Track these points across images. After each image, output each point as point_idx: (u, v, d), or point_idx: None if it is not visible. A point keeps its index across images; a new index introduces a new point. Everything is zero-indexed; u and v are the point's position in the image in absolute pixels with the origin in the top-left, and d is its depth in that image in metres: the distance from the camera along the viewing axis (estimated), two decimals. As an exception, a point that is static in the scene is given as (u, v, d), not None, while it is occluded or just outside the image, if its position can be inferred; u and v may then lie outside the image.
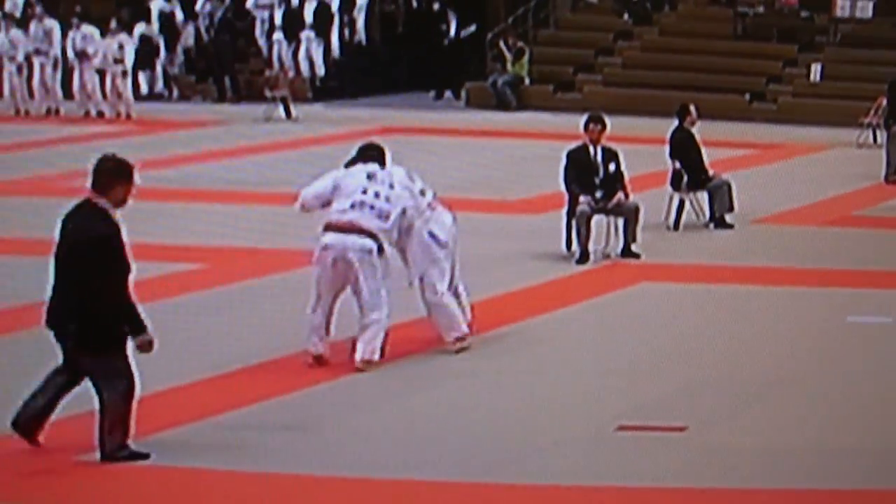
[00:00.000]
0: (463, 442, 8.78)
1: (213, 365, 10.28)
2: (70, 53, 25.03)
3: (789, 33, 25.85)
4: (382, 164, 10.41)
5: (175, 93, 27.05)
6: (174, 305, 12.09)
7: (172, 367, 10.25)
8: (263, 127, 23.68)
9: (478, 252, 14.06)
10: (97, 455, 8.33)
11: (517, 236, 14.96)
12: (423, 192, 10.61)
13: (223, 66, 26.73)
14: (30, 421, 8.49)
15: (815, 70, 24.84)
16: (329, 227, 10.14)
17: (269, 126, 23.75)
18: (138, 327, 8.31)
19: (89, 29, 24.89)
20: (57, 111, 24.85)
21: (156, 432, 8.87)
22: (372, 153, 10.44)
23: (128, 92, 24.31)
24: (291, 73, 26.32)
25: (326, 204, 10.29)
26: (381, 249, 10.14)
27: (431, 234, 10.53)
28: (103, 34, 24.64)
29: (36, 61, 24.78)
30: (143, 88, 26.88)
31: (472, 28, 27.51)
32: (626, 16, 27.22)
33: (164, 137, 22.58)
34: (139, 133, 23.09)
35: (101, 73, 24.24)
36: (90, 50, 24.60)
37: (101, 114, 24.48)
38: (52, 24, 24.99)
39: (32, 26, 25.00)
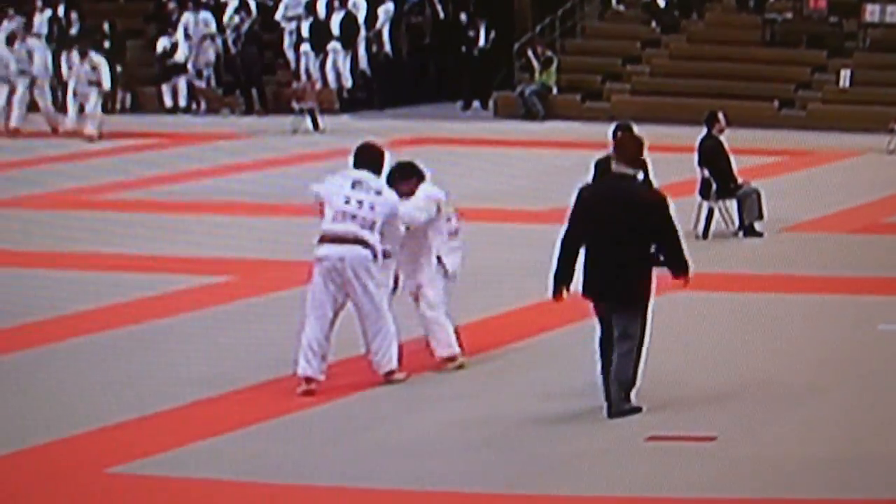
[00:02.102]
0: (489, 452, 8.74)
1: (240, 377, 10.28)
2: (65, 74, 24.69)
3: (818, 39, 25.73)
4: (377, 171, 10.10)
5: (203, 106, 27.12)
6: (202, 317, 12.11)
7: (200, 379, 10.28)
8: (291, 139, 23.71)
9: (506, 262, 14.03)
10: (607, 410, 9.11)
11: (546, 246, 14.83)
12: (449, 220, 10.51)
13: (251, 78, 26.79)
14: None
15: (845, 76, 24.71)
16: (322, 239, 9.98)
17: (297, 138, 23.78)
18: (685, 265, 9.25)
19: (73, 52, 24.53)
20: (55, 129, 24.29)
21: (183, 445, 8.88)
22: (364, 159, 10.13)
23: (97, 111, 23.56)
24: (319, 85, 26.35)
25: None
26: (375, 256, 9.95)
27: (440, 260, 10.43)
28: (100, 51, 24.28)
29: (19, 82, 24.15)
30: (168, 102, 26.94)
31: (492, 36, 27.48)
32: (653, 24, 27.14)
33: (192, 150, 22.63)
34: (168, 146, 23.16)
35: (74, 94, 23.74)
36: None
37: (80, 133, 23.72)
38: (34, 44, 24.81)
39: (16, 45, 24.66)
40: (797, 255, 14.53)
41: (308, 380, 9.92)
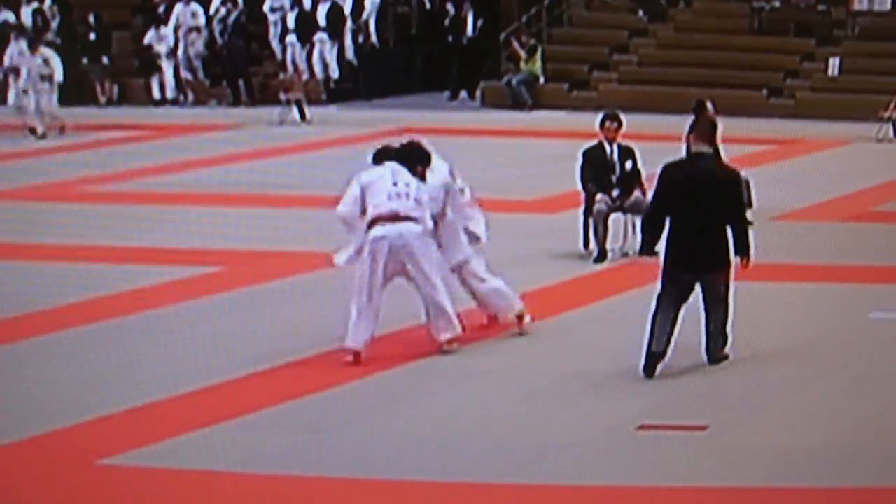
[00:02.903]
0: (481, 442, 8.75)
1: (233, 367, 10.26)
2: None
3: (806, 27, 25.72)
4: (403, 163, 10.59)
5: (190, 97, 27.06)
6: (193, 308, 12.09)
7: (192, 369, 10.27)
8: (278, 130, 23.68)
9: (495, 252, 13.97)
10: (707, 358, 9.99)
11: (534, 236, 14.91)
12: (462, 191, 10.92)
13: (237, 69, 26.73)
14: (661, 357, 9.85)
15: (833, 64, 24.70)
16: (375, 221, 10.30)
17: (284, 129, 23.75)
18: (748, 247, 10.07)
19: (23, 45, 23.69)
20: None
21: (176, 435, 8.87)
22: (389, 155, 10.62)
23: (54, 108, 22.91)
24: (305, 76, 26.31)
25: (363, 211, 10.43)
26: (426, 231, 10.36)
27: (467, 231, 10.83)
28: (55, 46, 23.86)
29: None
30: (156, 94, 26.87)
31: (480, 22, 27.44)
32: (640, 13, 27.12)
33: (179, 141, 22.59)
34: (155, 137, 23.11)
35: (25, 91, 22.91)
36: (23, 66, 23.27)
37: (33, 130, 22.96)
38: None
39: None
40: (787, 244, 14.51)
41: (357, 355, 10.25)
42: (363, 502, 7.94)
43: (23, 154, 21.38)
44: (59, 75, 23.06)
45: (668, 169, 10.31)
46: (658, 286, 10.02)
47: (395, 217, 10.23)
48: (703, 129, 10.25)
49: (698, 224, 9.89)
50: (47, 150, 21.68)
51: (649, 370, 9.81)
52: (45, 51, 23.26)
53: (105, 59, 26.97)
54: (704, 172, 10.06)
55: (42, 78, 22.85)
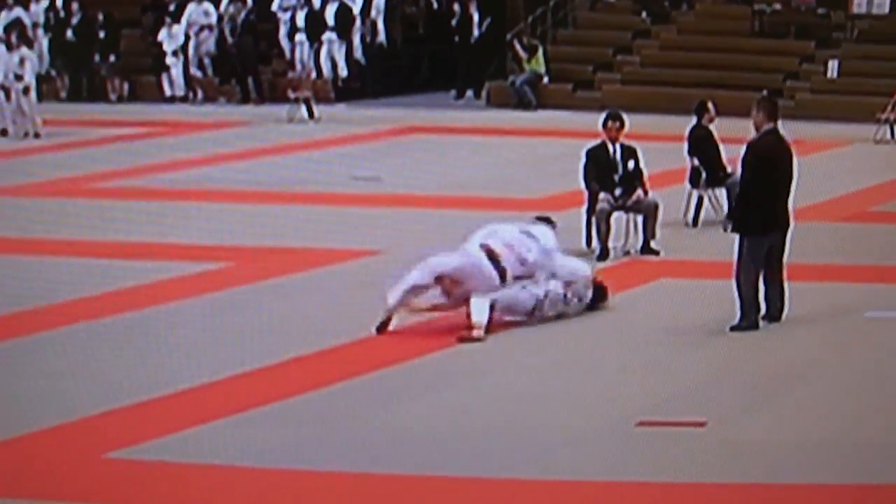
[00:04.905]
0: (482, 438, 8.83)
1: (239, 362, 10.34)
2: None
3: (806, 30, 25.85)
4: None
5: (200, 95, 27.21)
6: (200, 304, 12.16)
7: (198, 364, 10.33)
8: (287, 128, 23.79)
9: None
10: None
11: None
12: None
13: (246, 67, 26.88)
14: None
15: (833, 66, 24.82)
16: None
17: (293, 127, 23.86)
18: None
19: None
20: None
21: (182, 429, 8.96)
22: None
23: (32, 108, 22.53)
24: (314, 75, 26.46)
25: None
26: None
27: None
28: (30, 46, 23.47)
29: None
30: (167, 91, 27.06)
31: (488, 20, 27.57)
32: (644, 14, 27.26)
33: (188, 139, 22.68)
34: (164, 134, 23.22)
35: (6, 91, 22.53)
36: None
37: (3, 132, 22.48)
38: None
39: None
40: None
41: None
42: (367, 496, 8.02)
43: (31, 150, 21.48)
44: (28, 77, 22.57)
45: (754, 145, 11.27)
46: (745, 250, 11.03)
47: None
48: (771, 109, 11.28)
49: (779, 189, 11.10)
50: (57, 147, 21.79)
51: (752, 328, 11.02)
52: (23, 50, 22.91)
53: (112, 57, 27.12)
54: (781, 145, 11.22)
55: (17, 77, 22.49)
